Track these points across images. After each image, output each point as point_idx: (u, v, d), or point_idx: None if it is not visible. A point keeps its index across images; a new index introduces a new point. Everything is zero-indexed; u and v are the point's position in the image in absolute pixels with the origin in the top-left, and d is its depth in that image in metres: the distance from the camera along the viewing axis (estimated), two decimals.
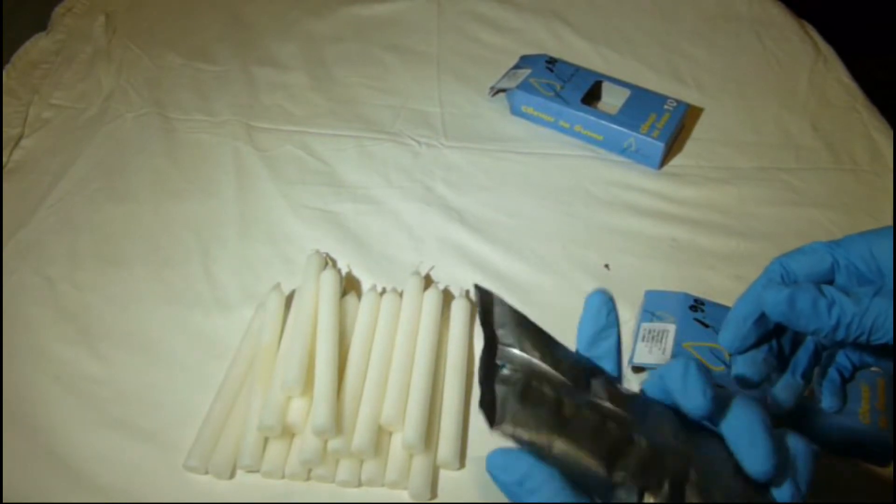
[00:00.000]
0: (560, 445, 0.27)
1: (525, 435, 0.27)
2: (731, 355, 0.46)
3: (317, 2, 0.89)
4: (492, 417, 0.27)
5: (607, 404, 0.28)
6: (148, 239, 0.62)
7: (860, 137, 0.72)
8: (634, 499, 0.26)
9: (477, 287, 0.31)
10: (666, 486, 0.26)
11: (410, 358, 0.51)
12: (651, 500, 0.26)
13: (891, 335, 0.30)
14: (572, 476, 0.26)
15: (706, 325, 0.52)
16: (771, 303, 0.31)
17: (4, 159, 0.69)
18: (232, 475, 0.47)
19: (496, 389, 0.28)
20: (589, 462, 0.26)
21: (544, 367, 0.29)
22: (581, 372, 0.29)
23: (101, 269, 0.59)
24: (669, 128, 0.69)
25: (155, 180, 0.67)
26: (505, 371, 0.29)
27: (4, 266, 0.59)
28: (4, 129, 0.71)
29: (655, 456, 0.27)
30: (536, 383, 0.29)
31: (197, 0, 0.89)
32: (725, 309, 0.49)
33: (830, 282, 0.34)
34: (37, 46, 0.82)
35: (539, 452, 0.27)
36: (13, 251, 0.60)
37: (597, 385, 0.29)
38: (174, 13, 0.87)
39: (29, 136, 0.71)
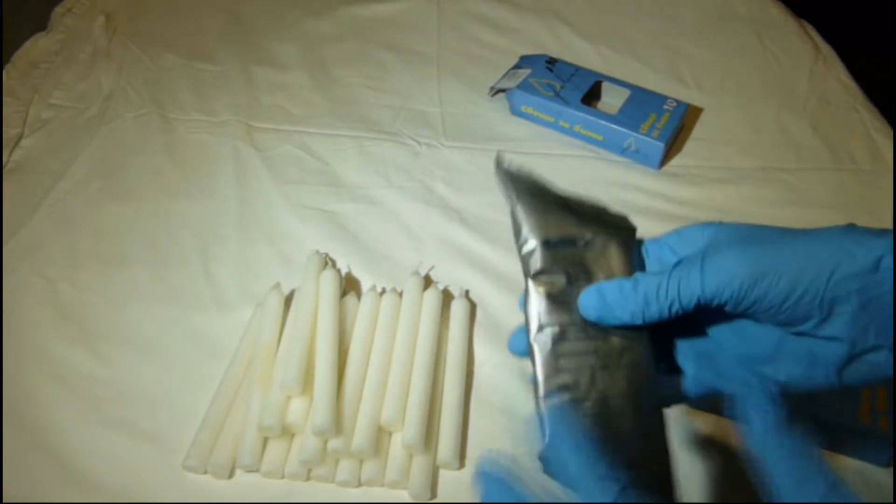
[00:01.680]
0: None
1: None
2: None
3: (317, 2, 0.89)
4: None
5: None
6: (148, 238, 0.62)
7: (860, 137, 0.72)
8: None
9: None
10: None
11: (410, 358, 0.51)
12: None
13: (699, 288, 0.30)
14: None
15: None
16: (584, 303, 0.32)
17: (4, 159, 0.69)
18: (231, 475, 0.47)
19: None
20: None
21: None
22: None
23: (100, 269, 0.59)
24: (669, 128, 0.69)
25: (155, 180, 0.67)
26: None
27: (4, 266, 0.59)
28: (4, 129, 0.71)
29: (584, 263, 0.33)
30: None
31: (197, 0, 0.89)
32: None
33: None
34: (37, 46, 0.82)
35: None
36: (13, 251, 0.60)
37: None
38: (174, 13, 0.87)
39: (29, 136, 0.71)
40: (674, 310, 0.31)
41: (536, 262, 0.33)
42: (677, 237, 0.34)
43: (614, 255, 0.33)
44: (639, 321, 0.31)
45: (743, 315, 0.32)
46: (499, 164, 0.35)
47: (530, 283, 0.33)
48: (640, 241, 0.35)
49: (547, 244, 0.33)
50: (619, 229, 0.34)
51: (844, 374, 0.31)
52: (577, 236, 0.33)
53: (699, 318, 0.34)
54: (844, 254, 0.29)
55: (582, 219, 0.34)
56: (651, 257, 0.35)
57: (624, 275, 0.33)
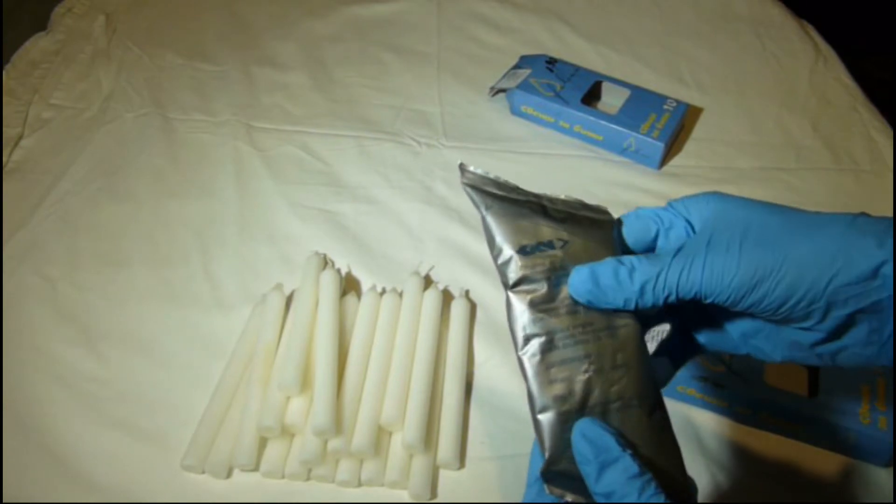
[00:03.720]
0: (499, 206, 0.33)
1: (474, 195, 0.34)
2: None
3: (317, 2, 0.89)
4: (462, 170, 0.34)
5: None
6: (148, 239, 0.62)
7: (860, 137, 0.72)
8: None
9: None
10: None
11: (410, 358, 0.51)
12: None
13: (698, 286, 0.30)
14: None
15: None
16: (575, 285, 0.31)
17: (4, 159, 0.69)
18: (229, 474, 0.47)
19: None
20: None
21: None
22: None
23: (100, 269, 0.59)
24: (669, 128, 0.69)
25: (155, 180, 0.67)
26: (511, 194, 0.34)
27: (4, 266, 0.59)
28: (4, 129, 0.71)
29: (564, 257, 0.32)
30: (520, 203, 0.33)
31: (197, 0, 0.89)
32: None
33: (652, 249, 0.35)
34: (37, 46, 0.82)
35: (483, 201, 0.33)
36: (13, 251, 0.60)
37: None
38: (174, 13, 0.87)
39: (29, 136, 0.71)
40: (669, 300, 0.30)
41: (514, 272, 0.32)
42: (683, 206, 0.34)
43: (595, 250, 0.32)
44: (631, 307, 0.31)
45: (738, 312, 0.32)
46: (463, 173, 0.34)
47: (510, 294, 0.32)
48: (627, 216, 0.34)
49: (523, 251, 0.32)
50: (595, 223, 0.33)
51: (838, 358, 0.32)
52: (552, 238, 0.32)
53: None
54: (845, 260, 0.28)
55: (557, 220, 0.33)
56: (645, 229, 0.34)
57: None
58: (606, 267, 0.31)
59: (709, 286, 0.30)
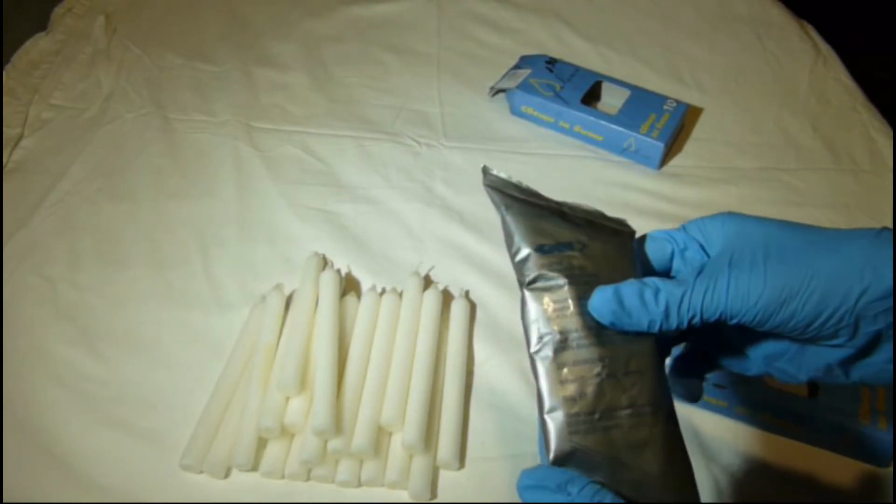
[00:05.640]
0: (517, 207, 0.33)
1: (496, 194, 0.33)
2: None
3: (317, 2, 0.89)
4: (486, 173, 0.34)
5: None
6: (148, 239, 0.62)
7: (860, 137, 0.72)
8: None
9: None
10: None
11: (410, 358, 0.51)
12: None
13: (723, 306, 0.29)
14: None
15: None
16: (598, 305, 0.30)
17: (4, 159, 0.69)
18: (227, 474, 0.47)
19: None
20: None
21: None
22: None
23: (101, 269, 0.59)
24: (669, 128, 0.69)
25: (155, 180, 0.67)
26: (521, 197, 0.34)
27: (4, 266, 0.59)
28: (4, 129, 0.71)
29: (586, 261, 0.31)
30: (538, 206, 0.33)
31: (197, 0, 0.89)
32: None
33: (669, 270, 0.34)
34: (37, 46, 0.81)
35: (504, 202, 0.33)
36: (13, 251, 0.60)
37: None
38: (174, 13, 0.87)
39: (29, 136, 0.71)
40: (694, 322, 0.30)
41: (531, 270, 0.31)
42: (697, 229, 0.33)
43: (614, 257, 0.32)
44: (655, 330, 0.30)
45: (764, 333, 0.31)
46: (485, 175, 0.34)
47: (526, 292, 0.31)
48: (643, 238, 0.34)
49: (540, 250, 0.31)
50: (616, 232, 0.33)
51: (867, 376, 0.31)
52: (572, 240, 0.32)
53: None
54: (874, 274, 0.28)
55: (576, 224, 0.32)
56: (660, 250, 0.34)
57: (626, 276, 0.31)
58: (630, 288, 0.30)
59: (734, 306, 0.29)
